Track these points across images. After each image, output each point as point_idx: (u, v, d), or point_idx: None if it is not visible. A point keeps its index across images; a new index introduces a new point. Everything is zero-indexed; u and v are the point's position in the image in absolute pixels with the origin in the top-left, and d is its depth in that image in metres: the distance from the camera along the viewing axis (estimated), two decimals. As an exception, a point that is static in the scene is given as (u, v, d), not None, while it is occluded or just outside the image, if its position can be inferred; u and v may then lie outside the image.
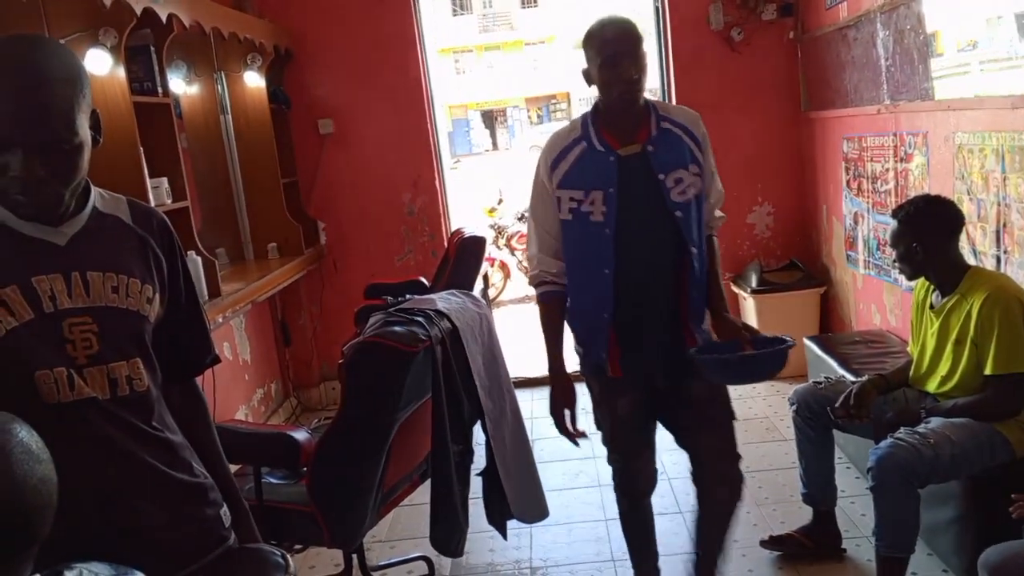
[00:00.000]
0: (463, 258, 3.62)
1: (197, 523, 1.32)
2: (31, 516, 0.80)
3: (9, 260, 1.16)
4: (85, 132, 1.17)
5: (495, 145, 31.44)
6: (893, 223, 2.42)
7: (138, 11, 2.67)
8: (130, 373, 1.24)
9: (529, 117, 33.15)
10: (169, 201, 2.99)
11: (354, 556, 2.53)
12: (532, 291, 7.41)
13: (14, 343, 1.14)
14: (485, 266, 4.05)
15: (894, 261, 2.51)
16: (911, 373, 2.52)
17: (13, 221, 1.17)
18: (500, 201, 8.00)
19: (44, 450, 0.84)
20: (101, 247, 1.24)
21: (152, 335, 1.31)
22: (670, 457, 3.50)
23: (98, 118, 1.21)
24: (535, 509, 2.51)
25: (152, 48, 3.01)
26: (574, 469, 3.49)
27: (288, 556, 1.03)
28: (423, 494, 2.51)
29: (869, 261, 3.66)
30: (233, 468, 1.52)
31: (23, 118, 1.10)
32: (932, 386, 2.42)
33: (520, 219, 7.47)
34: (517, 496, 2.39)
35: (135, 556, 1.07)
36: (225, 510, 1.38)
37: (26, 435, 0.83)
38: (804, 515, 2.70)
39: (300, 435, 2.02)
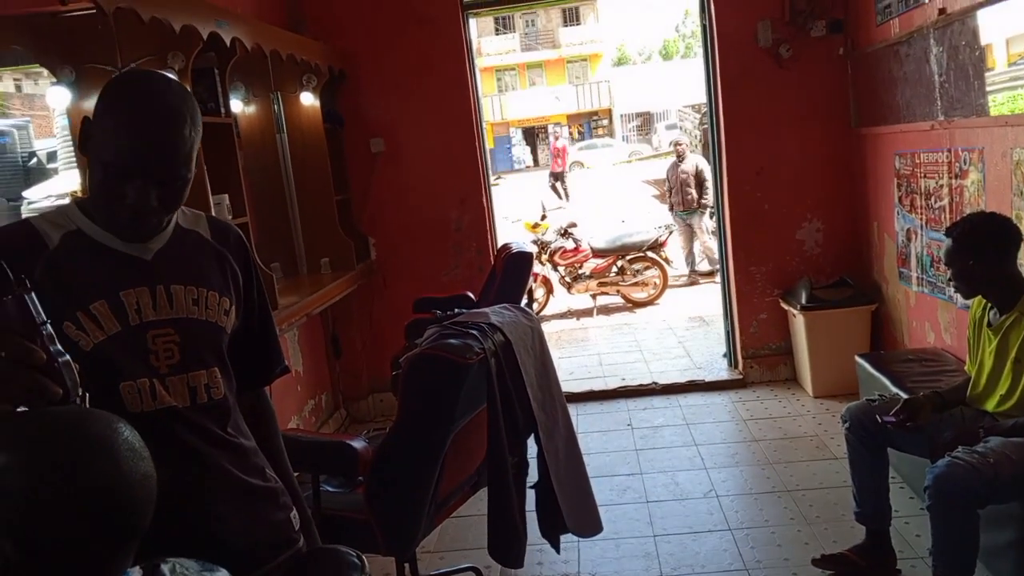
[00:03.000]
0: (511, 273, 3.68)
1: (269, 525, 1.37)
2: (136, 510, 0.86)
3: (99, 276, 1.23)
4: (194, 167, 1.25)
5: (536, 162, 31.56)
6: (948, 241, 2.39)
7: (205, 35, 2.80)
8: (208, 382, 1.31)
9: (571, 134, 33.24)
10: (230, 217, 3.10)
11: (406, 565, 2.58)
12: (575, 304, 7.61)
13: (101, 355, 1.20)
14: (529, 281, 4.10)
15: (949, 279, 2.48)
16: (968, 392, 2.48)
17: (103, 236, 1.25)
18: (543, 217, 8.04)
19: (145, 448, 0.90)
20: (183, 261, 1.31)
21: (227, 345, 1.37)
22: (719, 475, 3.50)
23: (199, 152, 1.28)
24: (590, 523, 2.52)
25: (216, 70, 3.14)
26: (622, 485, 3.49)
27: (363, 557, 1.07)
28: (471, 506, 2.55)
29: (922, 278, 3.61)
30: (291, 475, 1.57)
31: (151, 155, 1.18)
32: (991, 405, 2.38)
33: (563, 235, 7.51)
34: (571, 510, 2.40)
35: (212, 556, 1.12)
36: (295, 513, 1.44)
37: (130, 434, 0.89)
38: (857, 534, 2.67)
39: (358, 444, 2.08)
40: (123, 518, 0.85)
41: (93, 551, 0.84)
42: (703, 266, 8.04)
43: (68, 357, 0.98)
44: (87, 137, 1.22)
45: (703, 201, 7.76)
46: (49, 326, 0.98)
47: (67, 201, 1.29)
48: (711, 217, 7.98)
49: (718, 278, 7.71)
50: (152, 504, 0.89)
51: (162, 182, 1.20)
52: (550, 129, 32.01)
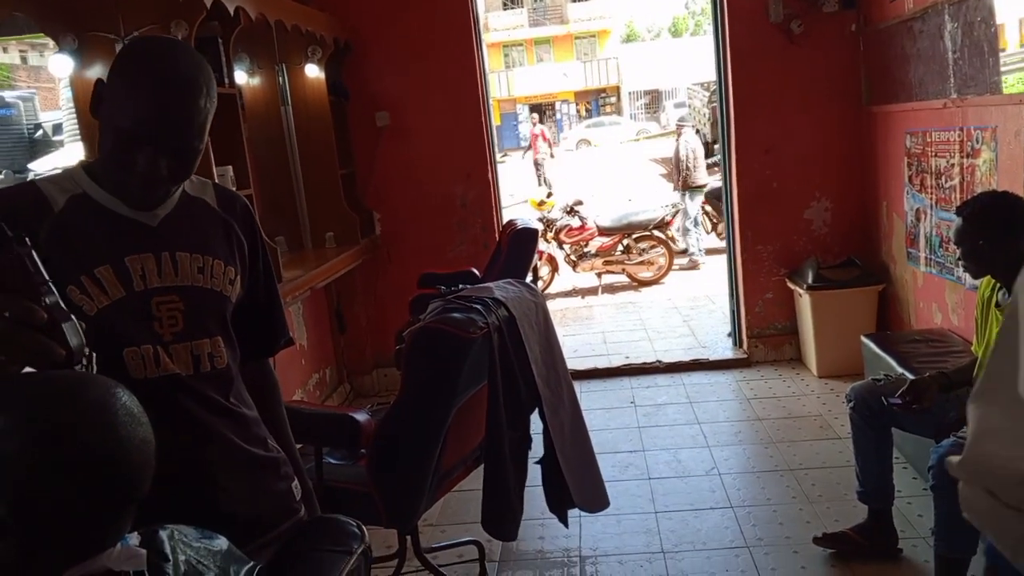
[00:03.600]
0: (515, 249, 3.66)
1: (270, 495, 1.37)
2: (134, 474, 0.86)
3: (105, 241, 1.22)
4: (206, 138, 1.24)
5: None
6: (958, 220, 2.36)
7: (208, 4, 2.76)
8: (212, 350, 1.30)
9: (578, 111, 33.01)
10: (233, 189, 3.08)
11: (408, 538, 2.59)
12: (580, 282, 7.55)
13: (105, 321, 1.19)
14: (534, 259, 4.08)
15: (958, 259, 2.46)
16: (975, 372, 2.46)
17: (109, 201, 1.23)
18: (549, 194, 8.01)
19: (144, 414, 0.89)
20: (189, 229, 1.30)
21: (231, 315, 1.36)
22: (721, 453, 3.50)
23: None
24: (596, 498, 2.52)
25: (219, 40, 3.10)
26: (624, 461, 3.50)
27: (363, 527, 1.07)
28: (473, 480, 2.55)
29: (931, 259, 3.58)
30: (294, 447, 1.57)
31: (164, 124, 1.16)
32: (997, 386, 2.37)
33: (569, 212, 7.47)
34: (578, 485, 2.39)
35: (212, 524, 1.12)
36: (296, 484, 1.44)
37: (128, 399, 0.88)
38: (859, 513, 2.67)
39: (361, 416, 2.08)
40: (121, 483, 0.85)
41: (90, 516, 0.84)
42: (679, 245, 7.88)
43: (73, 318, 0.96)
44: (100, 100, 1.20)
45: (689, 182, 7.70)
46: (52, 285, 0.96)
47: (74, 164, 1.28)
48: (705, 199, 7.91)
49: (686, 262, 7.69)
50: (150, 470, 0.88)
51: (174, 152, 1.18)
52: (558, 107, 31.75)
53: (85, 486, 0.83)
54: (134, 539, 0.90)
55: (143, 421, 0.89)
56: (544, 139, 15.77)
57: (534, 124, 16.71)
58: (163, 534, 0.93)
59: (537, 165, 15.42)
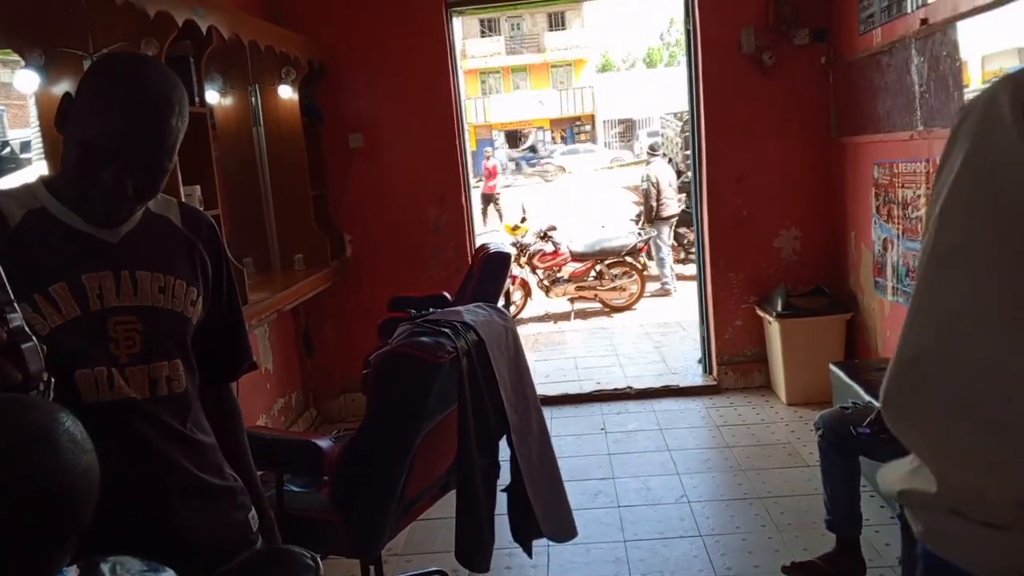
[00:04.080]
0: (488, 273, 3.64)
1: (226, 525, 1.33)
2: (75, 504, 0.81)
3: (62, 257, 1.18)
4: (175, 158, 1.21)
5: (518, 165, 31.58)
6: (924, 249, 2.39)
7: (180, 22, 2.74)
8: (170, 374, 1.26)
9: (553, 138, 33.29)
10: (201, 209, 3.03)
11: (371, 568, 2.53)
12: (553, 308, 7.57)
13: (58, 341, 1.14)
14: (506, 283, 4.06)
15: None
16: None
17: (68, 216, 1.20)
18: (523, 219, 8.02)
19: (88, 440, 0.85)
20: (151, 247, 1.26)
21: (192, 337, 1.32)
22: (690, 480, 3.48)
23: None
24: (564, 527, 2.48)
25: (191, 59, 3.07)
26: (593, 489, 3.47)
27: (318, 558, 1.03)
28: (440, 509, 2.50)
29: (898, 288, 3.62)
30: (255, 474, 1.52)
31: (136, 142, 1.14)
32: (963, 415, 2.38)
33: (542, 238, 7.49)
34: (545, 513, 2.35)
35: (165, 555, 1.08)
36: (253, 514, 1.39)
37: (72, 425, 0.84)
38: (827, 542, 2.66)
39: (324, 443, 2.03)
40: (61, 513, 0.81)
41: (28, 547, 0.80)
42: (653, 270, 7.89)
43: (34, 340, 0.93)
44: (65, 114, 1.17)
45: (657, 214, 7.72)
46: (16, 306, 0.93)
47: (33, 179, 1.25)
48: (671, 231, 7.94)
49: (658, 289, 7.73)
50: (94, 499, 0.84)
51: (142, 170, 1.16)
52: (532, 134, 31.96)
53: (23, 515, 0.78)
54: (73, 572, 0.85)
55: (87, 448, 0.85)
56: (495, 174, 14.37)
57: (488, 157, 14.99)
58: (104, 567, 0.88)
59: (487, 199, 13.94)
